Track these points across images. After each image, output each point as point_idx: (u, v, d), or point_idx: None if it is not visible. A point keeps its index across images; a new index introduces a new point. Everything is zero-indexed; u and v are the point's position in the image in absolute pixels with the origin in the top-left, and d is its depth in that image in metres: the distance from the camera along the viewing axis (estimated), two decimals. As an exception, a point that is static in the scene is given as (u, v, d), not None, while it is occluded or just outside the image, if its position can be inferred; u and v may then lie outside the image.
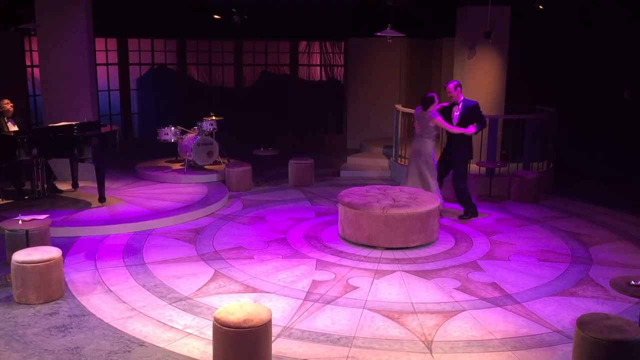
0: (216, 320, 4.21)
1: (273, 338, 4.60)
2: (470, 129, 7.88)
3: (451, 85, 8.01)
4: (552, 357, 4.59)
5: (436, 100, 8.00)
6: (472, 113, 7.96)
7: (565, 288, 5.91)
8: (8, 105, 8.31)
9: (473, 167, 9.66)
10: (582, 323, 4.21)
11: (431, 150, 8.08)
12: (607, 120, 12.19)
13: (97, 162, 8.15)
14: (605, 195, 9.51)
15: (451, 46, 11.43)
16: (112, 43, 13.16)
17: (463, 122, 7.95)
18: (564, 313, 5.33)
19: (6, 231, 6.20)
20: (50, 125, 8.55)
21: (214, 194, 9.00)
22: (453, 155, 8.11)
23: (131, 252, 6.81)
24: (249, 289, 5.83)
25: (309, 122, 14.51)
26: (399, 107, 10.72)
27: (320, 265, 6.46)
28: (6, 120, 8.26)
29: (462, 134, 7.91)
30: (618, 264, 6.57)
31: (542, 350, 4.69)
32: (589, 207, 8.90)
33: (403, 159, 10.49)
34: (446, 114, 8.04)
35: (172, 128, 10.65)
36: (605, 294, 5.75)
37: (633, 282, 4.72)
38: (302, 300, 5.56)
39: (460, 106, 8.00)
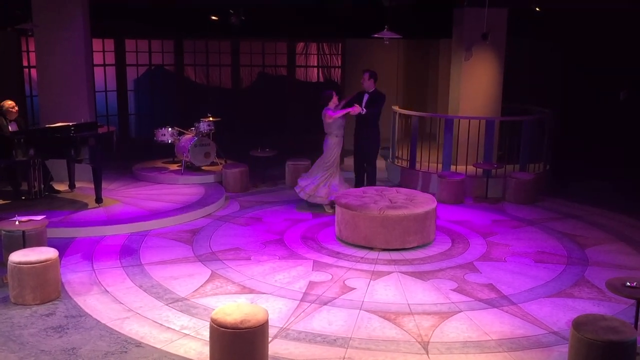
0: (213, 321, 4.21)
1: (270, 339, 4.61)
2: (354, 109, 8.27)
3: (366, 75, 8.52)
4: (548, 358, 4.61)
5: (334, 97, 8.32)
6: (374, 100, 8.48)
7: (561, 289, 5.93)
8: (13, 109, 8.28)
9: (470, 169, 9.70)
10: (578, 324, 4.23)
11: (332, 146, 8.36)
12: (603, 122, 12.23)
13: (94, 162, 8.15)
14: (601, 197, 9.54)
15: (448, 47, 11.46)
16: (109, 44, 13.14)
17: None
18: (559, 314, 5.35)
19: (3, 232, 6.20)
20: (47, 125, 8.53)
21: (211, 195, 9.00)
22: (366, 147, 8.62)
23: (128, 252, 6.81)
24: (245, 289, 5.84)
25: (306, 123, 14.50)
26: (396, 108, 10.74)
27: (317, 266, 6.47)
28: (7, 122, 8.22)
29: (370, 123, 8.44)
30: (614, 265, 6.59)
31: (538, 352, 4.71)
32: (585, 208, 8.93)
33: (400, 161, 10.51)
34: (359, 102, 8.48)
35: (170, 129, 10.64)
36: (601, 295, 5.77)
37: (628, 284, 4.74)
38: (298, 301, 5.57)
39: (368, 96, 8.51)
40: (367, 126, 8.53)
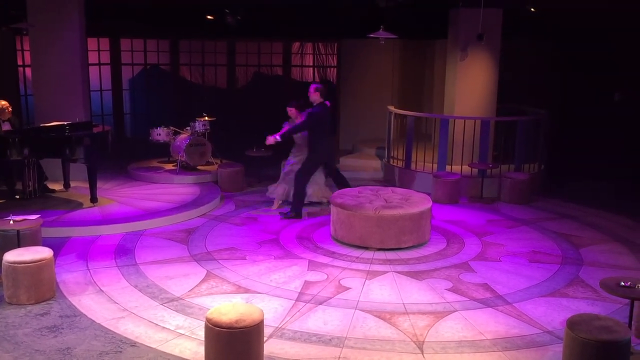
0: (208, 320, 4.21)
1: (265, 338, 4.60)
2: (269, 140, 8.04)
3: (312, 87, 8.21)
4: (542, 358, 4.62)
5: (288, 109, 8.44)
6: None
7: (555, 289, 5.95)
8: (7, 109, 8.24)
9: (465, 169, 9.72)
10: (572, 324, 4.25)
11: (292, 157, 8.58)
12: (598, 122, 12.27)
13: (89, 162, 8.14)
14: (596, 197, 9.57)
15: (443, 48, 11.48)
16: (105, 43, 13.12)
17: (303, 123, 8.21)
18: (554, 314, 5.37)
19: (-3, 231, 6.18)
20: (41, 125, 8.52)
21: (206, 195, 8.99)
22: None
23: (123, 252, 6.80)
24: (241, 289, 5.83)
25: (302, 123, 14.50)
26: (391, 108, 10.75)
27: (313, 266, 6.47)
28: (1, 122, 8.19)
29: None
30: (608, 265, 6.62)
31: (533, 351, 4.72)
32: (579, 208, 8.96)
33: (396, 160, 10.52)
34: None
35: (165, 128, 10.63)
36: (596, 295, 5.79)
37: (622, 283, 4.76)
38: (294, 301, 5.57)
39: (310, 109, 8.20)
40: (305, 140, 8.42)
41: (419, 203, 7.19)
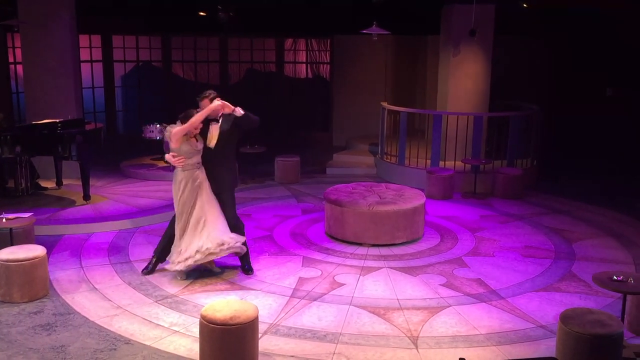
0: (203, 317, 4.21)
1: (260, 335, 4.60)
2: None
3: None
4: (536, 352, 4.65)
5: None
6: None
7: (548, 283, 5.98)
8: None
9: (458, 164, 9.74)
10: (565, 318, 4.27)
11: None
12: (590, 118, 12.33)
13: (82, 159, 8.10)
14: (588, 192, 9.61)
15: (436, 44, 11.49)
16: (97, 40, 13.06)
17: None
18: (547, 308, 5.39)
19: (-11, 229, 6.15)
20: (33, 122, 8.47)
21: (199, 192, 8.96)
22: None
23: (116, 250, 6.78)
24: (235, 286, 5.83)
25: (295, 119, 14.50)
26: (384, 104, 10.76)
27: (307, 262, 6.47)
28: None
29: None
30: (600, 260, 6.65)
31: (526, 345, 4.74)
32: (572, 203, 8.99)
33: (389, 157, 10.53)
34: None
35: (158, 125, 10.59)
36: (588, 289, 5.82)
37: (615, 277, 4.78)
38: (288, 297, 5.57)
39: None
40: None
41: (412, 199, 7.21)
